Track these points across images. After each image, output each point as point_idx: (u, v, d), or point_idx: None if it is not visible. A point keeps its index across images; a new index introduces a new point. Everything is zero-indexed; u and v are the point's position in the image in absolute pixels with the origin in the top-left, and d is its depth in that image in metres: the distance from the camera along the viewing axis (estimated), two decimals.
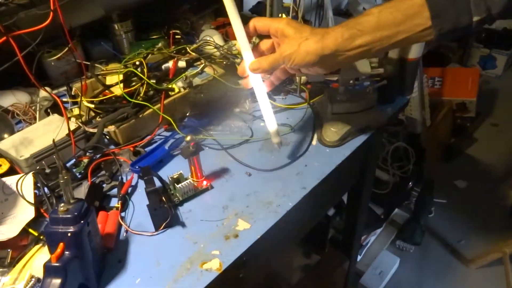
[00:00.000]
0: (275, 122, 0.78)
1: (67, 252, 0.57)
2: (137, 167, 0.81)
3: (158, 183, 0.75)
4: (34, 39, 0.86)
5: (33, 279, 0.62)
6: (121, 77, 0.96)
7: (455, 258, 1.94)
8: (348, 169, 1.04)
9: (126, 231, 0.72)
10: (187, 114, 0.95)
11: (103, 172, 0.82)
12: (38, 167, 0.79)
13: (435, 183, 2.07)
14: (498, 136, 2.64)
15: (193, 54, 1.06)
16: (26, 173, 0.77)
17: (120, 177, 0.81)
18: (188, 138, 0.75)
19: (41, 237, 0.69)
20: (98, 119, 0.91)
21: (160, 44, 1.11)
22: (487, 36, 3.02)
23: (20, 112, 0.95)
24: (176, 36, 1.19)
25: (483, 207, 2.15)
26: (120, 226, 0.72)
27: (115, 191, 0.79)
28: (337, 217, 1.71)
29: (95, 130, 0.86)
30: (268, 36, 0.73)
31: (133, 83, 0.97)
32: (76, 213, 0.57)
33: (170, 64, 1.01)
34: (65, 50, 1.03)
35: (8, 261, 0.65)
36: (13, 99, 0.97)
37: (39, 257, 0.65)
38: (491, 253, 1.82)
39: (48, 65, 1.08)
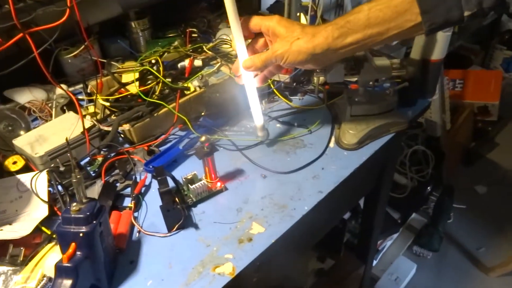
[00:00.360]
0: (262, 117, 0.84)
1: (78, 253, 0.56)
2: (150, 166, 0.80)
3: (171, 184, 0.73)
4: (52, 36, 0.86)
5: (45, 279, 0.61)
6: (137, 75, 0.96)
7: (474, 266, 1.89)
8: (366, 173, 1.02)
9: (139, 232, 0.71)
10: (202, 114, 0.93)
11: (117, 171, 0.82)
12: (52, 165, 0.79)
13: (454, 188, 2.02)
14: None
15: (210, 53, 1.05)
16: (41, 171, 0.77)
17: (133, 177, 0.80)
18: (203, 138, 0.74)
19: (54, 235, 0.68)
20: (113, 117, 0.91)
21: (176, 43, 1.10)
22: (510, 38, 2.93)
23: (36, 109, 0.95)
24: (193, 35, 1.18)
25: (504, 214, 2.08)
26: (132, 226, 0.71)
27: (128, 190, 0.79)
28: (353, 220, 1.67)
29: (109, 129, 0.86)
30: (261, 34, 0.74)
31: (149, 82, 0.96)
32: (88, 213, 0.56)
33: (186, 62, 1.00)
34: (82, 47, 1.03)
35: (21, 259, 0.65)
36: (30, 96, 0.97)
37: (51, 256, 0.65)
38: None
39: (64, 62, 1.08)
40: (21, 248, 0.66)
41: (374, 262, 1.83)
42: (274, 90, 0.99)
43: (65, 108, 0.96)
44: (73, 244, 0.55)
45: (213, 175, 0.77)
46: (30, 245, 0.67)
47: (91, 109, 0.95)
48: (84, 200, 0.58)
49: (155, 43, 1.15)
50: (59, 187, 0.75)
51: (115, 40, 1.16)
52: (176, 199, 0.70)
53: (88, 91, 0.99)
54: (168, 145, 0.88)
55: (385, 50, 1.79)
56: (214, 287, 0.62)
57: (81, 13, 0.84)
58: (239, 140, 0.88)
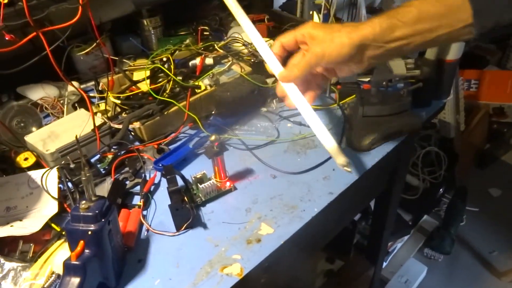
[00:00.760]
0: (332, 138, 0.64)
1: (87, 251, 0.56)
2: (160, 165, 0.80)
3: (180, 182, 0.73)
4: (65, 33, 0.86)
5: (54, 275, 0.61)
6: (148, 73, 0.95)
7: (487, 270, 1.85)
8: (378, 174, 1.00)
9: (147, 230, 0.71)
10: (213, 113, 0.93)
11: (126, 169, 0.82)
12: (63, 162, 0.79)
13: (467, 190, 1.98)
14: None
15: (221, 51, 1.04)
16: (51, 168, 0.78)
17: (143, 175, 0.80)
18: (213, 137, 0.73)
19: (63, 232, 0.68)
20: (123, 115, 0.91)
21: (188, 41, 1.10)
22: None
23: (48, 106, 0.96)
24: (204, 33, 1.18)
25: None
26: (141, 224, 0.71)
27: (137, 188, 0.79)
28: (363, 221, 1.66)
29: (120, 126, 0.86)
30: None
31: (160, 79, 0.96)
32: (97, 211, 0.56)
33: (197, 61, 1.00)
34: (94, 45, 1.03)
35: (30, 255, 0.65)
36: (42, 93, 0.98)
37: (60, 253, 0.65)
38: None
39: (77, 60, 1.08)
40: (31, 244, 0.66)
41: (384, 264, 1.81)
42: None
43: (76, 105, 0.97)
44: (81, 242, 0.56)
45: (222, 175, 0.76)
46: (40, 241, 0.68)
47: (102, 106, 0.95)
48: (93, 198, 0.58)
49: (166, 41, 1.15)
50: (69, 184, 0.75)
51: (127, 38, 1.16)
52: (185, 198, 0.70)
53: (100, 88, 1.00)
54: (178, 143, 0.88)
55: None
56: (222, 287, 0.61)
57: (93, 10, 0.85)
58: (249, 140, 0.88)
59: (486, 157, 2.36)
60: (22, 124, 0.91)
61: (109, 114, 0.91)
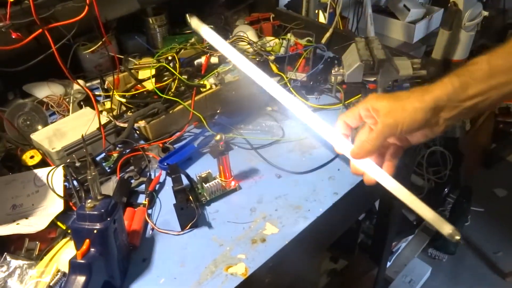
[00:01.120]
0: (428, 208, 0.59)
1: (92, 249, 0.56)
2: (165, 164, 0.80)
3: (185, 181, 0.73)
4: (70, 32, 0.86)
5: (59, 274, 0.62)
6: (153, 71, 0.95)
7: (491, 271, 1.84)
8: None
9: (152, 229, 0.71)
10: (218, 112, 0.93)
11: (131, 167, 0.82)
12: (68, 160, 0.79)
13: (472, 190, 1.97)
14: None
15: None
16: (57, 166, 0.78)
17: (148, 173, 0.81)
18: (218, 137, 0.73)
19: (69, 230, 0.69)
20: (129, 113, 0.91)
21: (193, 39, 1.10)
22: None
23: (54, 104, 0.96)
24: None
25: None
26: (146, 223, 0.71)
27: (142, 187, 0.79)
28: (367, 221, 1.66)
29: (125, 125, 0.86)
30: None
31: (165, 78, 0.96)
32: (103, 210, 0.56)
33: (202, 59, 1.00)
34: (100, 43, 1.04)
35: (36, 253, 0.65)
36: (48, 91, 0.98)
37: (66, 251, 0.65)
38: None
39: (82, 58, 1.09)
40: (37, 242, 0.67)
41: (388, 264, 1.81)
42: (291, 89, 0.98)
43: (82, 103, 0.97)
44: (87, 241, 0.56)
45: (227, 174, 0.76)
46: (46, 239, 0.68)
47: (108, 105, 0.95)
48: (99, 197, 0.58)
49: (172, 39, 1.15)
50: (75, 182, 0.75)
51: (133, 36, 1.16)
52: (190, 197, 0.70)
53: (105, 86, 1.00)
54: (183, 142, 0.88)
55: (405, 49, 1.75)
56: (226, 287, 0.61)
57: (99, 9, 0.85)
58: (254, 139, 0.88)
59: (491, 157, 2.35)
60: (28, 122, 0.91)
61: (114, 113, 0.91)
